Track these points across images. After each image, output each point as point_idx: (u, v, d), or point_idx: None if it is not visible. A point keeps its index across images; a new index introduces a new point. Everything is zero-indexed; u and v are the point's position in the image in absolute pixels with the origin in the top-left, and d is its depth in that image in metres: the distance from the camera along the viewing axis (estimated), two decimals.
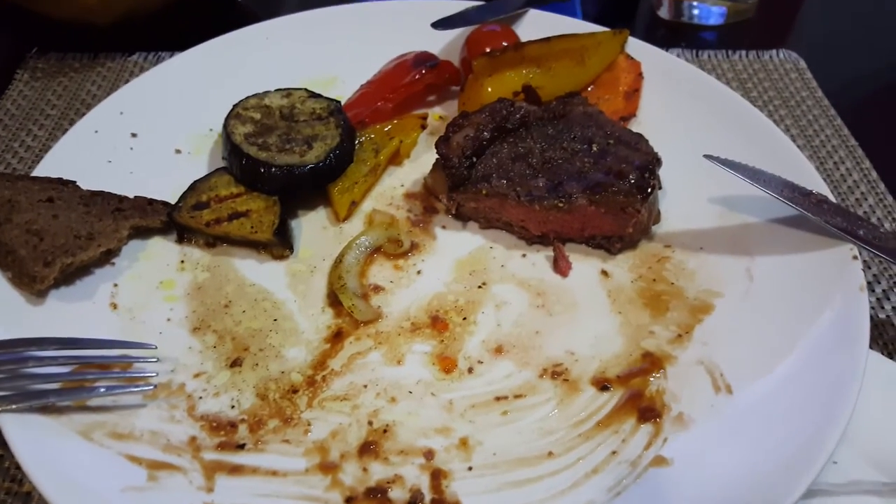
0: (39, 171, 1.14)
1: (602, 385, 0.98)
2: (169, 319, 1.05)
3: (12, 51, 1.60)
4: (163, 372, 0.97)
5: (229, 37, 1.42)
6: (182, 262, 1.12)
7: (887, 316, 1.14)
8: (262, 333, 1.04)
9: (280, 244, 1.12)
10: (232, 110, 1.23)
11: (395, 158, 1.29)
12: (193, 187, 1.17)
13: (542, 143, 1.17)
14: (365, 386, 0.98)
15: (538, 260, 1.15)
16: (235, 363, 1.00)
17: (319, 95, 1.28)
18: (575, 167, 1.13)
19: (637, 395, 0.96)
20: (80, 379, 0.92)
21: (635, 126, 1.30)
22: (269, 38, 1.43)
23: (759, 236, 1.12)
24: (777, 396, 0.93)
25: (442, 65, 1.36)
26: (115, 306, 1.05)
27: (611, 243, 1.14)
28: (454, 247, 1.17)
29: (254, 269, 1.12)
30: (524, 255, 1.15)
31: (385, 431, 0.93)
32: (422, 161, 1.29)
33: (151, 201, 1.15)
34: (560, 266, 1.12)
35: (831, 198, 1.10)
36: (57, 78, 1.54)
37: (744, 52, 1.64)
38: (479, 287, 1.10)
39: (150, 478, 0.86)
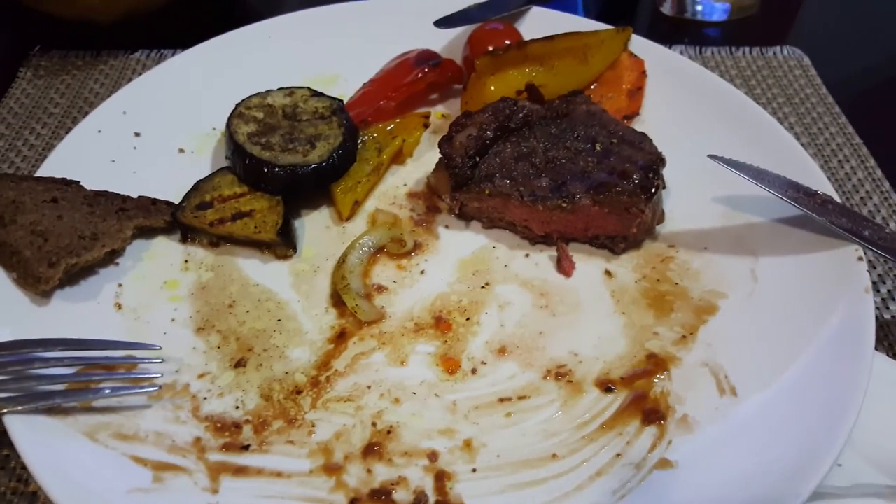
0: (43, 170, 1.14)
1: (606, 387, 0.98)
2: (173, 320, 1.05)
3: (16, 49, 1.59)
4: (167, 372, 0.98)
5: (231, 35, 1.42)
6: (186, 261, 1.12)
7: (892, 317, 1.14)
8: (265, 334, 1.04)
9: (283, 244, 1.12)
10: (235, 109, 1.23)
11: (398, 157, 1.29)
12: (197, 187, 1.17)
13: (545, 142, 1.16)
14: (368, 387, 0.98)
15: (541, 260, 1.14)
16: (239, 364, 1.00)
17: (322, 94, 1.28)
18: (578, 167, 1.13)
19: (641, 397, 0.96)
20: (86, 380, 0.92)
21: (639, 124, 1.29)
22: (271, 36, 1.43)
23: (763, 237, 1.11)
24: (782, 399, 0.92)
25: (444, 63, 1.35)
26: (119, 306, 1.05)
27: (614, 243, 1.14)
28: (457, 246, 1.17)
29: (257, 269, 1.12)
30: (527, 255, 1.15)
31: (389, 433, 0.94)
32: (425, 160, 1.29)
33: (155, 201, 1.15)
34: (563, 266, 1.12)
35: (836, 197, 1.09)
36: (60, 76, 1.53)
37: (747, 49, 1.63)
38: (483, 287, 1.10)
39: (155, 479, 0.87)
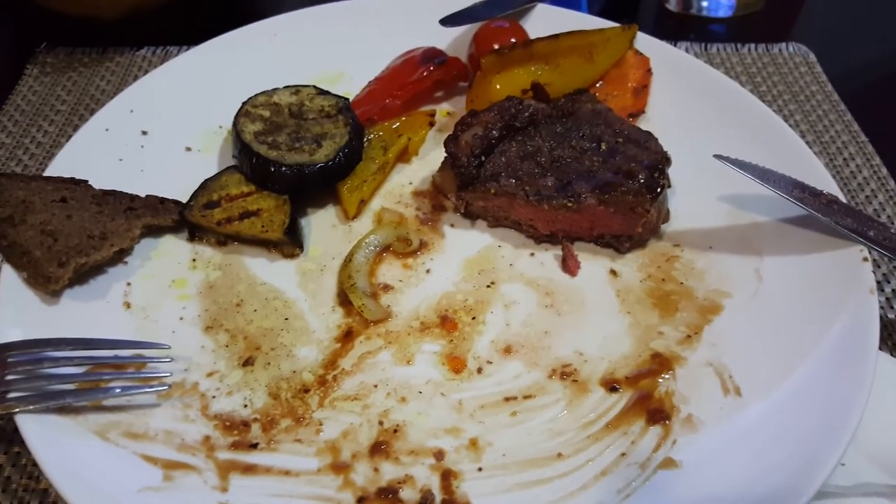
0: (51, 170, 1.15)
1: (611, 386, 0.99)
2: (182, 318, 1.06)
3: (22, 46, 1.60)
4: (176, 371, 0.99)
5: (237, 33, 1.41)
6: (194, 260, 1.13)
7: None
8: (273, 332, 1.05)
9: (290, 243, 1.13)
10: (241, 108, 1.23)
11: (404, 156, 1.29)
12: (204, 186, 1.18)
13: (550, 141, 1.17)
14: (375, 386, 0.99)
15: (547, 259, 1.15)
16: (248, 362, 1.01)
17: (328, 92, 1.28)
18: (584, 166, 1.13)
19: (646, 397, 0.97)
20: (96, 379, 0.93)
21: (644, 123, 1.30)
22: (276, 33, 1.43)
23: (768, 236, 1.12)
24: (786, 399, 0.93)
25: (450, 61, 1.35)
26: (128, 305, 1.06)
27: (620, 242, 1.14)
28: (463, 245, 1.17)
29: (265, 268, 1.13)
30: (532, 254, 1.16)
31: (395, 431, 0.94)
32: (430, 158, 1.29)
33: (163, 200, 1.16)
34: (569, 265, 1.13)
35: (841, 197, 1.09)
36: (66, 73, 1.54)
37: (753, 46, 1.63)
38: (488, 286, 1.11)
39: (165, 477, 0.88)
